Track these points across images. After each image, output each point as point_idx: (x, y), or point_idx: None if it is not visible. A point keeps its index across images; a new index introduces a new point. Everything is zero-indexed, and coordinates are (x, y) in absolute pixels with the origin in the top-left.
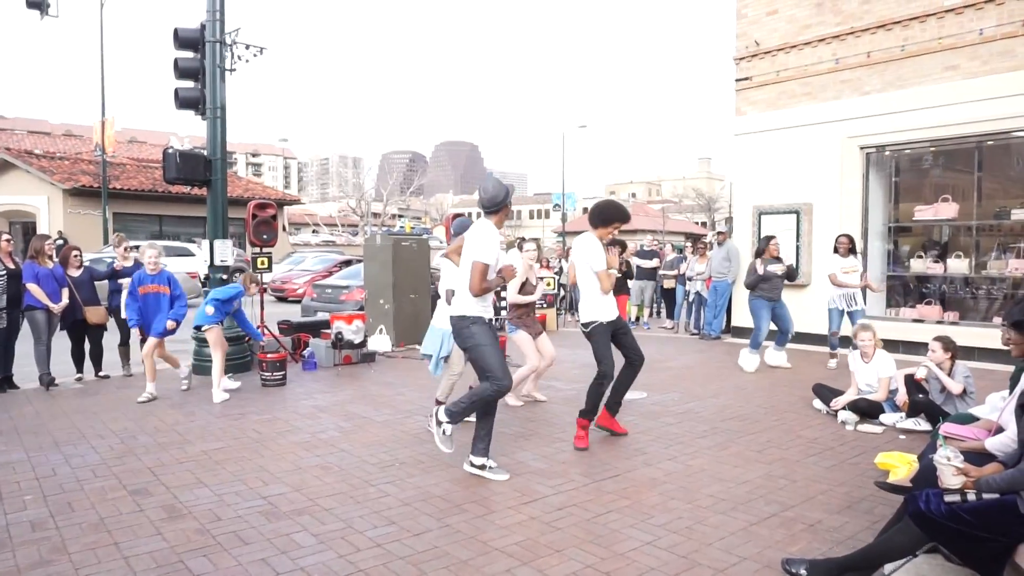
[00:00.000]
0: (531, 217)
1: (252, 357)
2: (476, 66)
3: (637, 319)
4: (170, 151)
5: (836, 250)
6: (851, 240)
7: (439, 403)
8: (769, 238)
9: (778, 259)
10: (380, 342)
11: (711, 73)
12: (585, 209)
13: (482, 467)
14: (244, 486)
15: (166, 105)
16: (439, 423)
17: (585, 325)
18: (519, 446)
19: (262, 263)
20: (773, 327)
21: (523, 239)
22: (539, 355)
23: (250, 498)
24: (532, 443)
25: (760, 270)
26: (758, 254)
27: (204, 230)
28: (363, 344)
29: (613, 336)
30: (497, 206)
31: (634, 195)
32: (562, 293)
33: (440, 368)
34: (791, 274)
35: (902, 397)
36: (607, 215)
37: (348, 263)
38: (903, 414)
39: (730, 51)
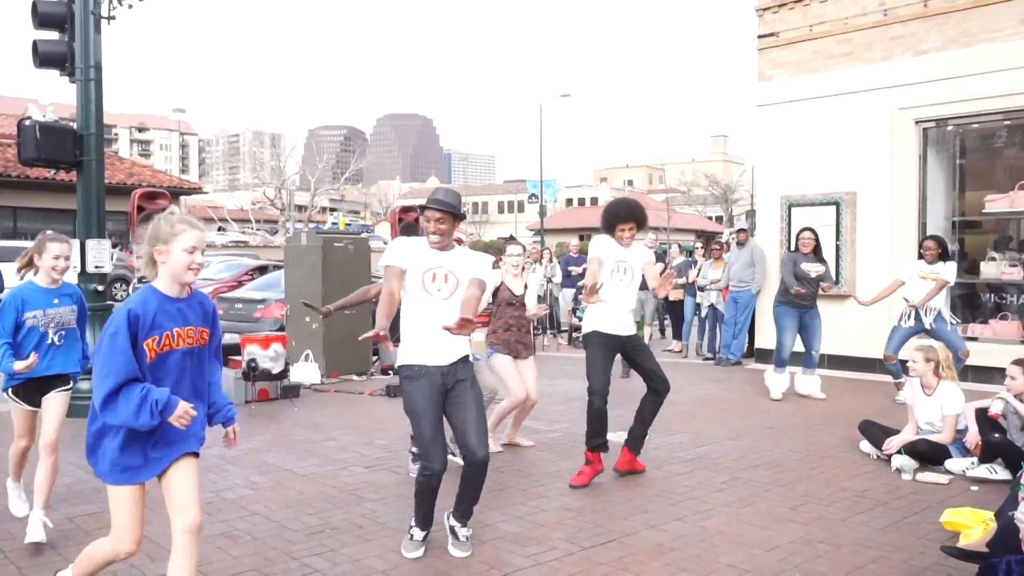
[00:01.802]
0: (500, 211)
1: None
2: (429, 19)
3: None
4: (27, 123)
5: (921, 256)
6: (940, 244)
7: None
8: (803, 229)
9: (818, 257)
10: (306, 371)
11: (728, 28)
12: (568, 200)
13: (452, 529)
14: (125, 564)
15: (22, 63)
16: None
17: (584, 334)
18: (486, 504)
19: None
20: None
21: (509, 238)
22: (523, 386)
23: None
24: (503, 500)
25: (791, 269)
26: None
27: (74, 227)
28: (283, 374)
29: (628, 357)
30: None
31: (631, 183)
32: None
33: None
34: (825, 281)
35: (973, 438)
36: (607, 217)
37: (263, 270)
38: (974, 459)
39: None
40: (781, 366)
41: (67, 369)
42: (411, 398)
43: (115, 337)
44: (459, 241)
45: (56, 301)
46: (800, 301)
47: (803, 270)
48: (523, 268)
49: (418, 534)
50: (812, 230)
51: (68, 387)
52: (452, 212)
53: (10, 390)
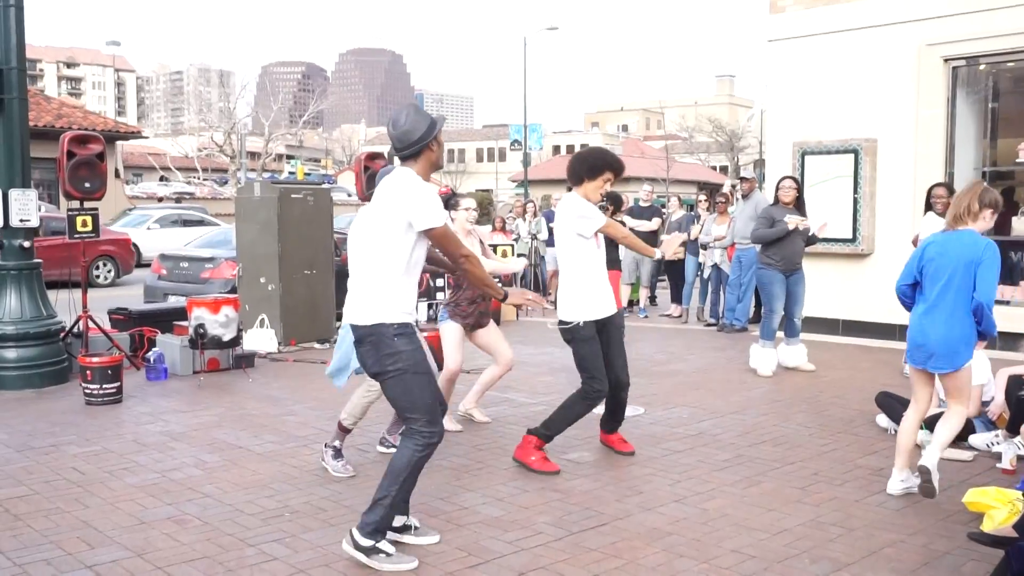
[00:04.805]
0: (479, 159)
1: (70, 362)
2: None
3: (631, 304)
4: None
5: (931, 206)
6: (952, 192)
7: (342, 430)
8: (784, 177)
9: (800, 209)
10: (261, 339)
11: None
12: (556, 148)
13: (370, 551)
14: (59, 551)
15: None
16: (359, 548)
17: (562, 323)
18: (463, 484)
19: (84, 224)
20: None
21: (454, 193)
22: (460, 357)
23: (69, 568)
24: (481, 480)
25: (769, 224)
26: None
27: None
28: (236, 342)
29: (600, 336)
30: (414, 146)
31: (625, 128)
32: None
33: (344, 378)
34: (810, 236)
35: (998, 408)
36: (592, 162)
37: (197, 224)
38: (1000, 432)
39: None
40: (769, 338)
41: None
42: (410, 356)
43: None
44: (449, 192)
45: None
46: (784, 263)
47: (782, 226)
48: (501, 225)
49: (388, 547)
50: (794, 178)
51: None
52: None
53: None
